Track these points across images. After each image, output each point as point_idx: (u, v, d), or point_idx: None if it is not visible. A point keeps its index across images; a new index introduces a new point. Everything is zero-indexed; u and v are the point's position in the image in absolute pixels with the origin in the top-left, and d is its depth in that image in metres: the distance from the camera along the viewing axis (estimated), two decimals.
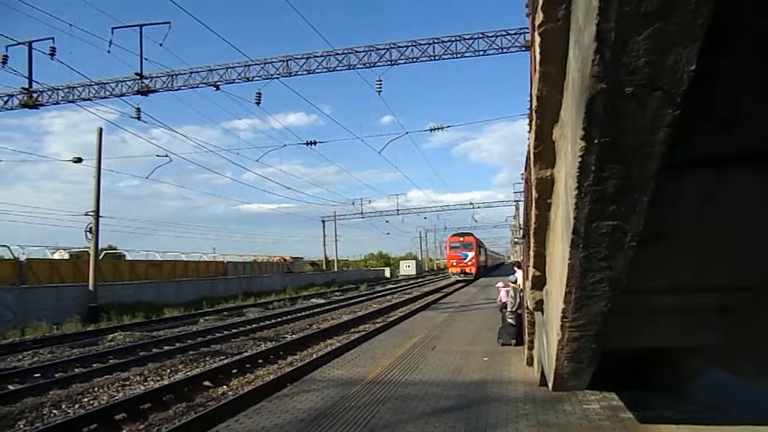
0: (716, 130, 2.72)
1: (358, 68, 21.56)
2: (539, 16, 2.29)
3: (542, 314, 5.25)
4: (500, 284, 12.36)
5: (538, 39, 2.43)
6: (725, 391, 6.31)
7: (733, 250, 3.51)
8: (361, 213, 61.95)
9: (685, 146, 2.63)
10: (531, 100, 3.33)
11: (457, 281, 45.75)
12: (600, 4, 1.68)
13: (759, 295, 3.95)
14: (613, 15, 1.70)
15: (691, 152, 2.76)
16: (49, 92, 22.63)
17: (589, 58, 1.85)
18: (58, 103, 22.92)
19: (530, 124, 3.59)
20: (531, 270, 4.78)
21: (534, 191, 3.52)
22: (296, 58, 21.77)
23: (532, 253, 4.50)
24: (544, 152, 3.09)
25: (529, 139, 3.72)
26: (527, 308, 7.73)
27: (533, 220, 3.89)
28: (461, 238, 49.36)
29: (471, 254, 47.53)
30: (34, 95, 22.42)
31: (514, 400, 6.68)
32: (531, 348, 8.14)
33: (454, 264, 48.61)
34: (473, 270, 47.37)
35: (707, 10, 1.68)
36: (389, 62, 21.24)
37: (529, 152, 3.72)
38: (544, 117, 2.85)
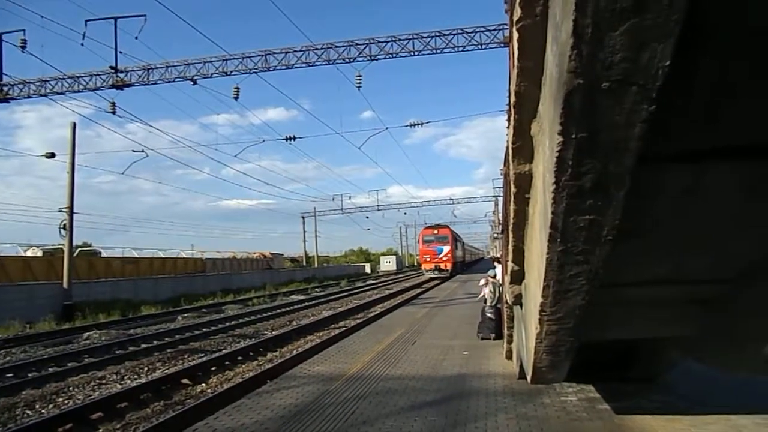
0: (694, 125, 2.76)
1: (337, 63, 21.50)
2: (517, 12, 2.30)
3: (521, 308, 5.30)
4: (483, 281, 12.48)
5: (516, 35, 2.44)
6: (700, 382, 6.46)
7: (710, 243, 3.58)
8: (341, 209, 61.78)
9: (663, 141, 2.67)
10: (510, 96, 3.35)
11: (431, 279, 42.05)
12: None
13: (735, 288, 4.04)
14: (590, 10, 1.71)
15: (668, 147, 2.80)
16: (21, 86, 22.10)
17: (566, 53, 1.86)
18: (29, 97, 22.44)
19: (509, 120, 3.61)
20: (510, 264, 4.82)
21: (513, 186, 3.54)
22: (275, 53, 21.59)
23: (510, 247, 4.54)
24: (522, 147, 3.11)
25: (507, 134, 3.75)
26: (506, 302, 7.81)
27: (512, 215, 3.92)
28: (435, 231, 45.57)
29: (446, 248, 43.91)
30: (5, 89, 21.87)
31: (494, 393, 6.75)
32: (510, 342, 8.23)
33: (428, 260, 44.72)
34: (448, 266, 43.73)
35: (682, 6, 1.70)
36: (369, 57, 21.19)
37: (507, 148, 3.75)
38: (523, 112, 2.87)
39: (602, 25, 1.76)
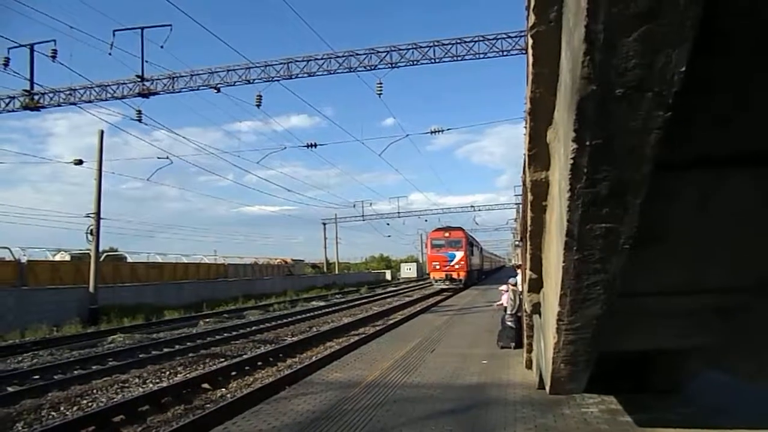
0: (712, 131, 2.71)
1: (358, 71, 21.64)
2: (531, 18, 2.28)
3: (539, 317, 5.24)
4: (503, 287, 12.35)
5: (530, 41, 2.43)
6: (723, 393, 6.29)
7: (730, 251, 3.50)
8: (362, 215, 61.89)
9: (681, 147, 2.62)
10: (526, 102, 3.32)
11: (442, 290, 36.06)
12: (588, 5, 1.68)
13: (756, 297, 3.94)
14: (602, 16, 1.69)
15: (686, 154, 2.75)
16: (51, 94, 22.70)
17: (579, 59, 1.84)
18: (59, 105, 23.03)
19: (525, 126, 3.59)
20: (528, 273, 4.78)
21: (529, 194, 3.51)
22: (297, 61, 21.81)
23: (528, 255, 4.50)
24: (538, 154, 3.08)
25: (524, 141, 3.72)
26: (526, 311, 7.72)
27: (529, 222, 3.89)
28: (446, 234, 38.79)
29: (459, 254, 37.13)
30: (36, 97, 22.51)
31: (512, 403, 6.66)
32: (530, 351, 8.12)
33: (437, 267, 37.61)
34: (462, 275, 36.99)
35: (696, 11, 1.68)
36: (390, 65, 21.28)
37: (524, 155, 3.72)
38: (538, 119, 2.85)
39: (615, 31, 1.73)
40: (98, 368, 12.06)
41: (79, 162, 24.95)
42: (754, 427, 5.24)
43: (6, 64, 21.05)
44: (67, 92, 22.65)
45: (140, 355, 13.91)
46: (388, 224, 65.88)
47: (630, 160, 2.16)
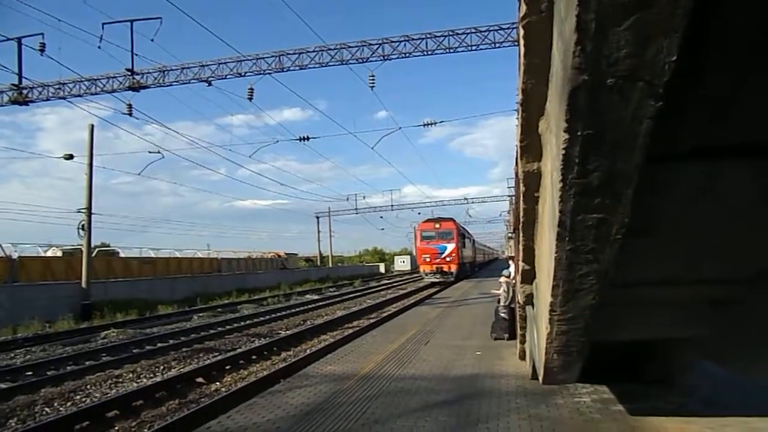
0: (708, 122, 2.71)
1: (350, 63, 21.48)
2: (522, 8, 2.28)
3: (532, 308, 5.27)
4: (502, 279, 12.38)
5: (522, 31, 2.42)
6: (716, 384, 6.35)
7: (725, 243, 3.51)
8: (356, 209, 61.79)
9: (676, 139, 2.62)
10: (518, 94, 3.32)
11: (433, 284, 34.94)
12: None
13: (751, 288, 3.97)
14: (593, 5, 1.69)
15: (682, 145, 2.75)
16: (39, 88, 22.43)
17: (570, 49, 1.84)
18: (48, 100, 22.74)
19: (518, 118, 3.59)
20: (521, 264, 4.80)
21: (522, 185, 3.52)
22: (289, 54, 21.66)
23: (521, 247, 4.52)
24: (530, 145, 3.09)
25: (516, 132, 3.72)
26: (519, 302, 7.75)
27: (522, 214, 3.90)
28: (436, 225, 37.07)
29: (450, 246, 35.59)
30: (24, 91, 22.23)
31: (506, 393, 6.70)
32: (523, 342, 8.16)
33: (427, 260, 36.09)
34: (453, 268, 35.47)
35: (688, 1, 1.67)
36: (382, 57, 21.17)
37: (517, 146, 3.72)
38: (530, 110, 2.85)
39: (606, 21, 1.73)
40: (91, 364, 12.00)
41: (70, 157, 24.69)
42: (748, 417, 5.30)
43: None
44: (57, 86, 22.40)
45: (134, 350, 13.88)
46: (381, 217, 65.75)
47: (621, 150, 2.16)
